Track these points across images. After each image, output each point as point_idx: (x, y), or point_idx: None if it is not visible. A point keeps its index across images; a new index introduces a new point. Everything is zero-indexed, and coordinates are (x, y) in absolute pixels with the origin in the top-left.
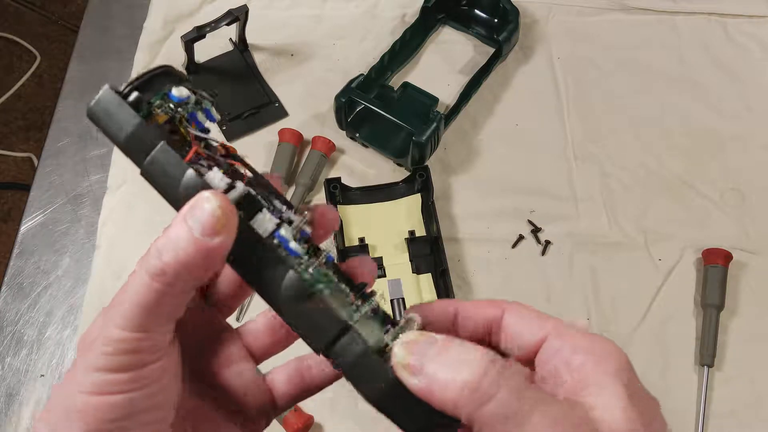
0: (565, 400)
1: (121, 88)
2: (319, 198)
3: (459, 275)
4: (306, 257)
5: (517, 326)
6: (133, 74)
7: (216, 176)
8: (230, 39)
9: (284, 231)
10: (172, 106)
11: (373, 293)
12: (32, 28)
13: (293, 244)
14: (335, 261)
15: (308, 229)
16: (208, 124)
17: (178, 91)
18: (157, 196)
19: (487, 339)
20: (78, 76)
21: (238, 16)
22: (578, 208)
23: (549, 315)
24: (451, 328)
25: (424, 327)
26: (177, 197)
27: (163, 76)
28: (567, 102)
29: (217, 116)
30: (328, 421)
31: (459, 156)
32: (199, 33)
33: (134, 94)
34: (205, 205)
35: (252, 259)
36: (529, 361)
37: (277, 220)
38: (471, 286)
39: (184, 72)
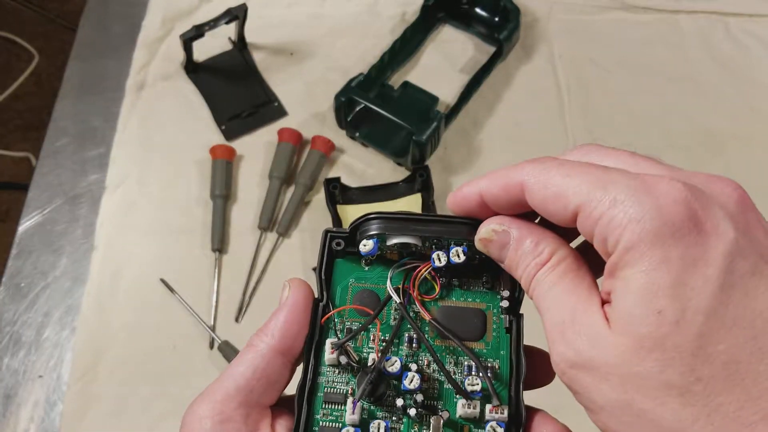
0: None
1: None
2: (319, 197)
3: None
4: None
5: (543, 208)
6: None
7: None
8: (229, 38)
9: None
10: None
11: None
12: (30, 27)
13: None
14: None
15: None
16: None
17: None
18: (155, 196)
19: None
20: (76, 75)
21: (237, 15)
22: None
23: (580, 172)
24: (483, 209)
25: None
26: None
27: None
28: (568, 101)
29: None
30: None
31: (459, 155)
32: (198, 32)
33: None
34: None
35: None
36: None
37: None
38: None
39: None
